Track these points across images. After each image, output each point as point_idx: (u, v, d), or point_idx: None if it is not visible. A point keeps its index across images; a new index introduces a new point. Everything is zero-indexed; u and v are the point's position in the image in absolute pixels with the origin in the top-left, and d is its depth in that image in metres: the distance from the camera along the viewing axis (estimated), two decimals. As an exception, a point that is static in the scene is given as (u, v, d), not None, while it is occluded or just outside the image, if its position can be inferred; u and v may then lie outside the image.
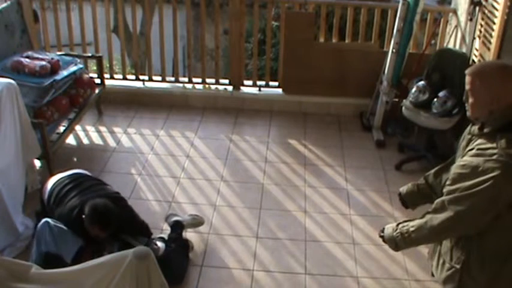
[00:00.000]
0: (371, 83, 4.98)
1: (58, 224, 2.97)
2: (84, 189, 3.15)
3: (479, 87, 2.10)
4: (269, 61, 5.46)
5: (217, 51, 5.34)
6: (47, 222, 2.96)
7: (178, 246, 3.37)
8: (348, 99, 5.18)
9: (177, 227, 3.48)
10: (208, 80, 5.37)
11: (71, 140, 4.62)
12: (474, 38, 4.29)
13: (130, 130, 4.85)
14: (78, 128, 4.76)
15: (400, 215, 3.69)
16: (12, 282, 2.53)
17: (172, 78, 5.44)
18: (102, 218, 2.90)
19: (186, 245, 3.42)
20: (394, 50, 4.59)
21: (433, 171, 2.52)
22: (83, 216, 2.91)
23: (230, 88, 5.33)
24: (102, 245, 3.06)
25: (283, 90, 5.29)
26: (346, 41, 5.19)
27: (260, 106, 5.27)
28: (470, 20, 4.38)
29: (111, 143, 4.66)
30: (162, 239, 3.38)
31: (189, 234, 3.56)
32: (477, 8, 4.25)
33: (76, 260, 2.87)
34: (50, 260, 2.87)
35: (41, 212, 3.34)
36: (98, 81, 4.92)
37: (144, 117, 5.06)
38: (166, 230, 3.55)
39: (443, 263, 2.32)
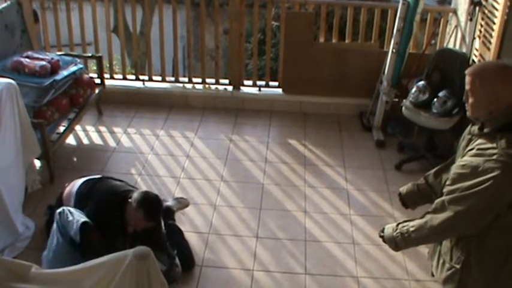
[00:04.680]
0: (371, 83, 4.99)
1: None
2: (126, 184, 3.26)
3: (479, 87, 2.10)
4: (269, 61, 5.46)
5: (217, 51, 5.34)
6: (63, 209, 3.04)
7: (177, 228, 3.48)
8: (348, 99, 5.18)
9: (169, 212, 3.55)
10: (208, 80, 5.36)
11: (71, 140, 4.61)
12: (474, 38, 4.29)
13: (130, 130, 4.85)
14: (78, 128, 4.76)
15: (400, 215, 3.68)
16: (12, 282, 2.53)
17: (172, 78, 5.43)
18: (151, 206, 2.92)
19: (180, 229, 3.52)
20: (394, 50, 4.59)
21: (433, 171, 2.52)
22: (129, 199, 2.95)
23: (230, 88, 5.33)
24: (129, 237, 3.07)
25: (283, 90, 5.29)
26: (346, 41, 5.19)
27: (260, 106, 5.27)
28: (470, 20, 4.38)
29: (111, 143, 4.66)
30: (173, 255, 3.25)
31: (188, 234, 3.56)
32: (477, 8, 4.25)
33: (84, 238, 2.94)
34: (88, 229, 2.94)
35: (54, 206, 3.36)
36: (98, 81, 4.91)
37: (144, 117, 5.06)
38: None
39: (443, 263, 2.32)
